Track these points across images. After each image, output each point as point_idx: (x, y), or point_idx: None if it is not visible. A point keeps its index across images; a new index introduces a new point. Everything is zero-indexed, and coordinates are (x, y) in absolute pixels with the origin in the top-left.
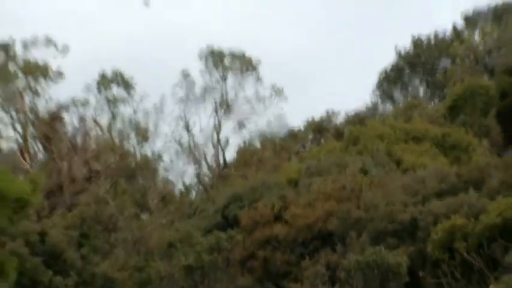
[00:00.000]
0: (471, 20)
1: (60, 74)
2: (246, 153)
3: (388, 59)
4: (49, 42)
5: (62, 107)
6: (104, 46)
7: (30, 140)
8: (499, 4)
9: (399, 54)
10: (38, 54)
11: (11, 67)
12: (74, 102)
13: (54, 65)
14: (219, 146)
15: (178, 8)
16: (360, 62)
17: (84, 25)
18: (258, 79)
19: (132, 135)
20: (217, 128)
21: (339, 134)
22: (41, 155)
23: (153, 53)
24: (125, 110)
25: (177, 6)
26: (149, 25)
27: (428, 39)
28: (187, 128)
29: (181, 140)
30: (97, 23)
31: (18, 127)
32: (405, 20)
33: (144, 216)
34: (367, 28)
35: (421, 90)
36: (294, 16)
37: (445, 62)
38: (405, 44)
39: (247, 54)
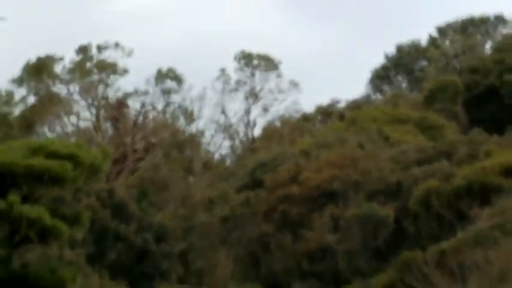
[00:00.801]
0: (443, 31)
1: (125, 71)
2: (269, 131)
3: (378, 61)
4: (117, 46)
5: (127, 95)
6: (162, 47)
7: (102, 121)
8: (464, 18)
9: (386, 57)
10: (109, 55)
11: (88, 65)
12: (137, 92)
13: (121, 63)
14: (249, 126)
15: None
16: (357, 63)
17: (144, 28)
18: (279, 75)
19: (181, 117)
20: (247, 112)
21: (341, 117)
22: (110, 132)
23: (200, 53)
24: (176, 98)
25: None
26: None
27: (409, 45)
28: (223, 112)
29: (219, 121)
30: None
31: (93, 110)
32: (391, 30)
33: (190, 179)
34: (362, 36)
35: (404, 85)
36: (309, 22)
37: (422, 64)
38: (391, 49)
39: (271, 55)
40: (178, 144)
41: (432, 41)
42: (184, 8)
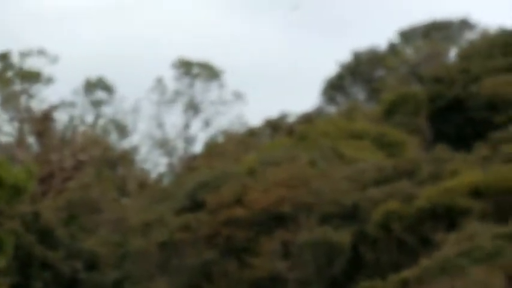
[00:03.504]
0: (404, 36)
1: (50, 80)
2: (211, 147)
3: (332, 69)
4: (41, 52)
5: (53, 107)
6: (91, 53)
7: (25, 135)
8: (427, 22)
9: (341, 65)
10: (32, 63)
11: (9, 74)
12: (64, 103)
13: (46, 71)
14: (188, 141)
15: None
16: (309, 72)
17: (70, 33)
18: (221, 85)
19: (114, 131)
20: (187, 126)
21: (291, 131)
22: (35, 148)
23: (133, 61)
24: (107, 110)
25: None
26: (125, 36)
27: (366, 52)
28: (160, 126)
29: (155, 136)
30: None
31: (16, 124)
32: (346, 35)
33: (124, 200)
34: (314, 43)
35: (360, 96)
36: (252, 32)
37: (381, 72)
38: (346, 57)
39: (212, 63)
40: (111, 162)
41: (392, 47)
42: (113, 8)
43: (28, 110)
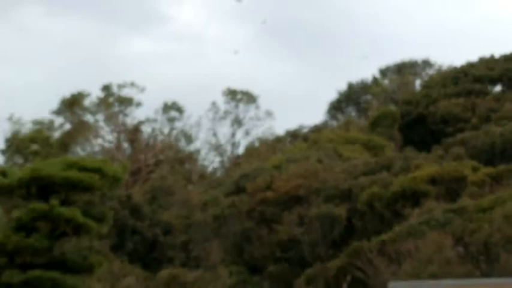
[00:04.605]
0: (383, 72)
1: (139, 103)
2: (249, 150)
3: (333, 95)
4: (132, 85)
5: (141, 123)
6: (168, 84)
7: (121, 142)
8: (399, 62)
9: (339, 93)
10: (126, 92)
11: (110, 100)
12: (148, 120)
13: (136, 98)
14: (234, 146)
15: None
16: (319, 96)
17: (153, 70)
18: (257, 107)
19: (182, 139)
20: (233, 135)
21: (305, 138)
22: (128, 151)
23: (194, 89)
24: (178, 124)
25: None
26: (191, 72)
27: (357, 83)
28: (215, 135)
29: (211, 142)
30: (160, 70)
31: (115, 134)
32: (343, 71)
33: (189, 187)
34: (323, 75)
35: (353, 114)
36: (275, 69)
37: (367, 98)
38: (343, 86)
39: (250, 91)
40: (180, 160)
41: (375, 80)
42: (184, 53)
43: (123, 124)
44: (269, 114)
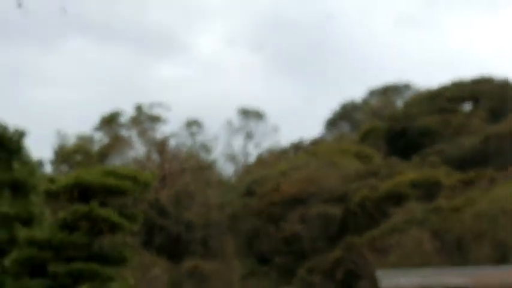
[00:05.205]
0: (371, 93)
1: (165, 120)
2: (259, 160)
3: (328, 113)
4: (160, 105)
5: (167, 137)
6: (190, 104)
7: (151, 153)
8: (384, 85)
9: (334, 112)
10: (155, 111)
11: (142, 117)
12: (174, 135)
13: (163, 115)
14: (246, 156)
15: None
16: (318, 113)
17: (178, 91)
18: (265, 123)
19: (203, 151)
20: (245, 147)
21: (306, 150)
22: (156, 161)
23: (212, 109)
24: (199, 138)
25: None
26: (211, 93)
27: (349, 103)
28: (229, 147)
29: (227, 153)
30: (184, 92)
31: (146, 147)
32: (338, 91)
33: (208, 191)
34: (320, 94)
35: (346, 129)
36: (278, 90)
37: (358, 115)
38: (337, 106)
39: (260, 110)
40: (201, 168)
41: (364, 100)
42: (205, 76)
43: (153, 139)
44: (275, 129)
